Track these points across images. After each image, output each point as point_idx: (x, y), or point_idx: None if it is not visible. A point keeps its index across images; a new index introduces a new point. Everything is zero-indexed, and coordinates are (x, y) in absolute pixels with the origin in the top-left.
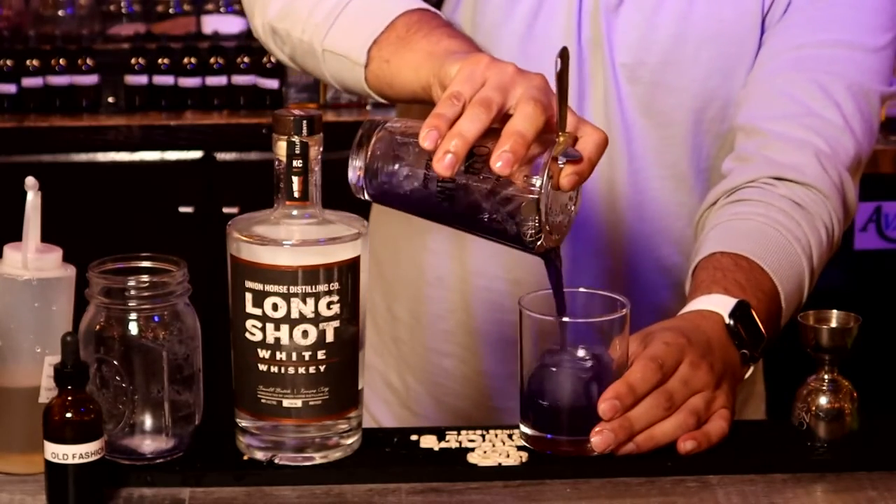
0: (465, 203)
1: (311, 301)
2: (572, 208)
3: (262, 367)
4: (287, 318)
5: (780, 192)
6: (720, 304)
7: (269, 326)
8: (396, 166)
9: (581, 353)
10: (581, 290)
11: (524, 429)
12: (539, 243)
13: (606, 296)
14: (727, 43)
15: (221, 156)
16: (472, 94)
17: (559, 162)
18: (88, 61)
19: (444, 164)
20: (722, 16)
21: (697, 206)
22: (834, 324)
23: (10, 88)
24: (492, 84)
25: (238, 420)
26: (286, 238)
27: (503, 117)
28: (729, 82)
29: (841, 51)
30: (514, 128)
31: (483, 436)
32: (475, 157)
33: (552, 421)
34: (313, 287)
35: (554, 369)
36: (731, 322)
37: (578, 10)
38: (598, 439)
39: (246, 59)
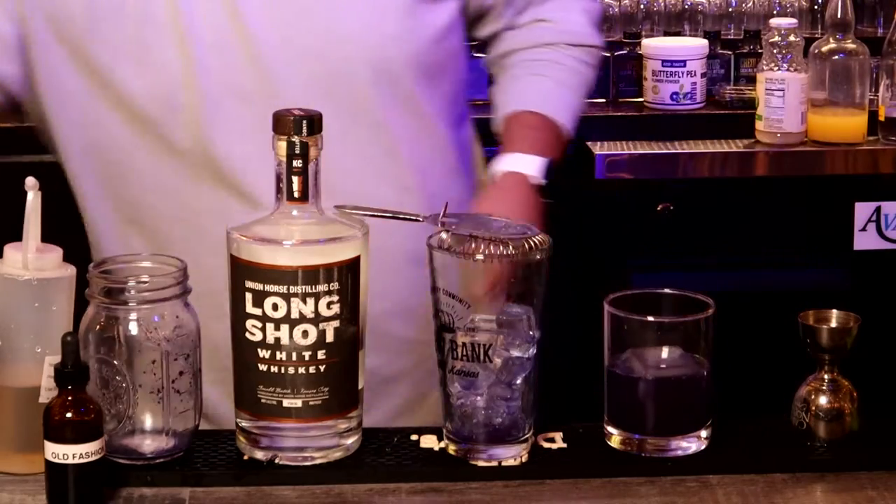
0: None
1: (311, 301)
2: None
3: (262, 367)
4: (287, 318)
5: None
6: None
7: (269, 326)
8: None
9: (666, 352)
10: (666, 291)
11: (609, 429)
12: None
13: (690, 296)
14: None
15: None
16: None
17: None
18: None
19: None
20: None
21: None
22: (834, 324)
23: None
24: None
25: (238, 420)
26: (286, 238)
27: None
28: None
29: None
30: None
31: None
32: None
33: (639, 421)
34: (313, 287)
35: (642, 370)
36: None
37: None
38: None
39: None
